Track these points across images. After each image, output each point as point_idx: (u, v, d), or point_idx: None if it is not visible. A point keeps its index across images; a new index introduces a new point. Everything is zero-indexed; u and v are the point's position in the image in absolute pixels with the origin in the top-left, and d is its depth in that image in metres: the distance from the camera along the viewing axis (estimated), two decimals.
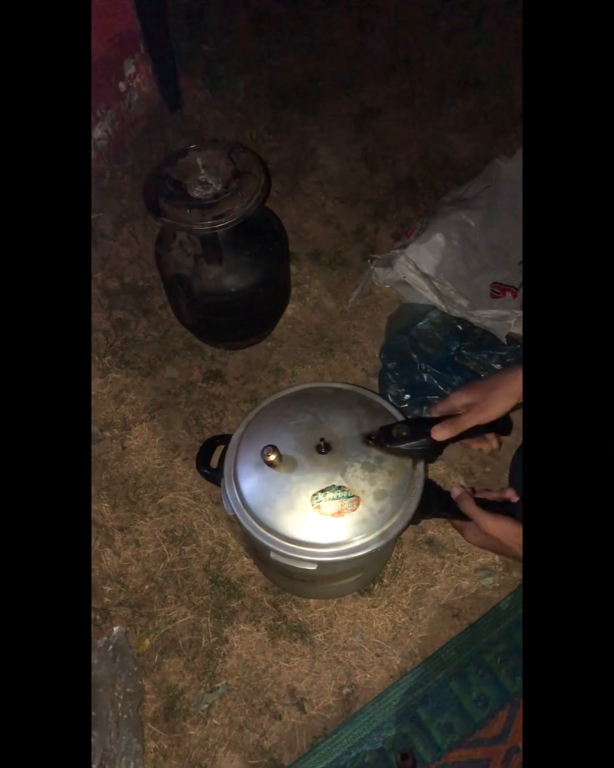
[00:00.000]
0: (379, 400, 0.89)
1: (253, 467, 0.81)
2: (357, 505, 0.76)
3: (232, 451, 0.85)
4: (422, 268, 1.35)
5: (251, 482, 0.81)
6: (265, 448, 0.77)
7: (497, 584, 1.08)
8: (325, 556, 0.76)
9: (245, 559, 1.11)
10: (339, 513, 0.76)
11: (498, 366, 1.24)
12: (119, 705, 0.94)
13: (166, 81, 1.72)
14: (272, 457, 0.77)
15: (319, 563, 0.77)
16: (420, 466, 0.82)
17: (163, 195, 1.09)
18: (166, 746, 0.96)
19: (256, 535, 0.78)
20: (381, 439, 0.79)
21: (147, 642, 1.04)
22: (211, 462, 0.89)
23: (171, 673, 1.02)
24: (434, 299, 1.32)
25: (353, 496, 0.77)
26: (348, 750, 0.94)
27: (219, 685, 1.01)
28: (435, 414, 0.81)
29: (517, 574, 1.07)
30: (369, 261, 1.43)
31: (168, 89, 1.74)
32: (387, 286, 1.44)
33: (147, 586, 1.09)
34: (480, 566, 1.09)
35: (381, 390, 1.28)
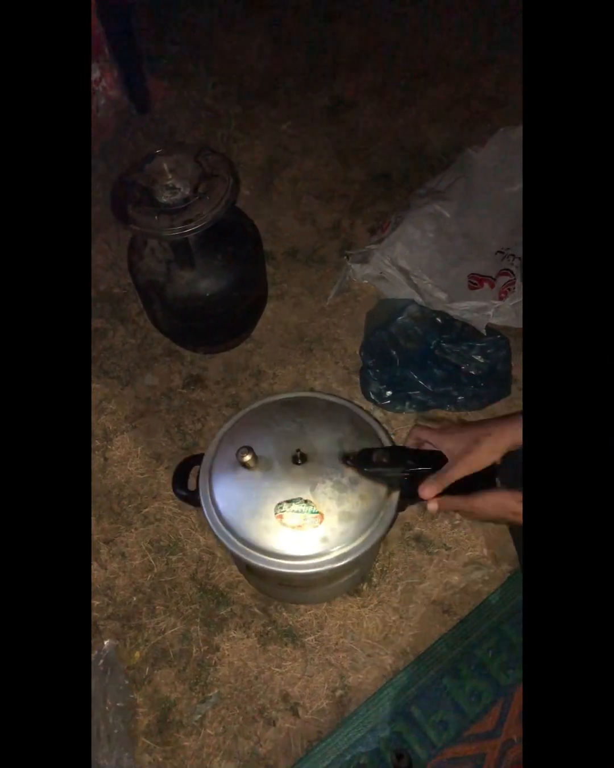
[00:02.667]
0: (372, 421, 0.86)
1: (228, 466, 0.80)
2: (320, 522, 0.75)
3: (213, 447, 0.85)
4: (399, 263, 1.34)
5: (223, 481, 0.80)
6: (241, 448, 0.77)
7: (486, 578, 1.07)
8: (278, 566, 0.75)
9: (232, 566, 1.11)
10: (300, 526, 0.75)
11: (478, 357, 1.23)
12: (110, 720, 0.93)
13: (132, 83, 1.70)
14: (247, 458, 0.76)
15: (269, 571, 0.76)
16: (394, 496, 0.78)
17: (130, 202, 1.08)
18: (160, 759, 0.96)
19: (215, 530, 0.78)
20: (360, 461, 0.77)
21: (137, 654, 1.03)
22: (187, 483, 0.87)
23: (162, 685, 1.01)
24: (412, 293, 1.31)
25: (317, 512, 0.75)
26: (343, 753, 0.94)
27: (211, 694, 1.00)
28: (412, 443, 0.77)
29: (506, 567, 1.07)
30: (345, 257, 1.42)
31: (135, 92, 1.72)
32: (366, 282, 1.42)
33: (135, 598, 1.08)
34: (468, 561, 1.09)
35: (363, 387, 1.27)
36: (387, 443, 0.83)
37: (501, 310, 1.25)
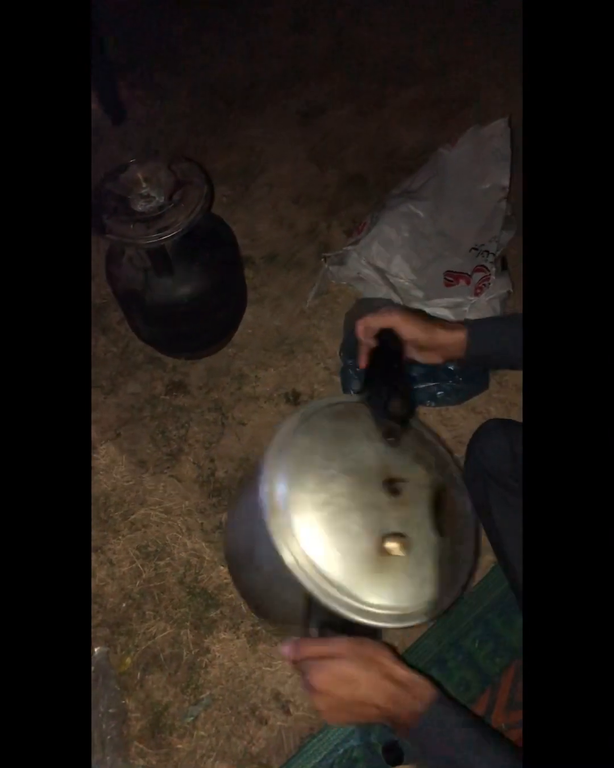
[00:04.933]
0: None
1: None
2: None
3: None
4: (375, 263, 1.35)
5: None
6: (390, 534, 0.68)
7: None
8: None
9: (221, 568, 1.11)
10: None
11: None
12: (103, 726, 0.94)
13: (106, 95, 1.72)
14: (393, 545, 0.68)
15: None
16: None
17: (106, 211, 1.09)
18: (154, 762, 0.96)
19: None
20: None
21: (128, 660, 1.04)
22: None
23: (154, 689, 1.02)
24: (389, 293, 1.33)
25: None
26: (335, 747, 0.94)
27: (203, 696, 1.01)
28: (370, 332, 0.79)
29: (489, 558, 1.08)
30: (323, 260, 1.44)
31: (109, 103, 1.73)
32: (344, 283, 1.44)
33: (124, 604, 1.09)
34: None
35: (344, 387, 1.28)
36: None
37: (478, 306, 1.27)
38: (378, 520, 0.69)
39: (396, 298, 1.31)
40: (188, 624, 1.07)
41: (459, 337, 0.79)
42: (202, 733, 0.98)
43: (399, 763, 0.87)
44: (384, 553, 0.67)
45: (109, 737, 0.94)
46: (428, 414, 1.27)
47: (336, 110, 1.79)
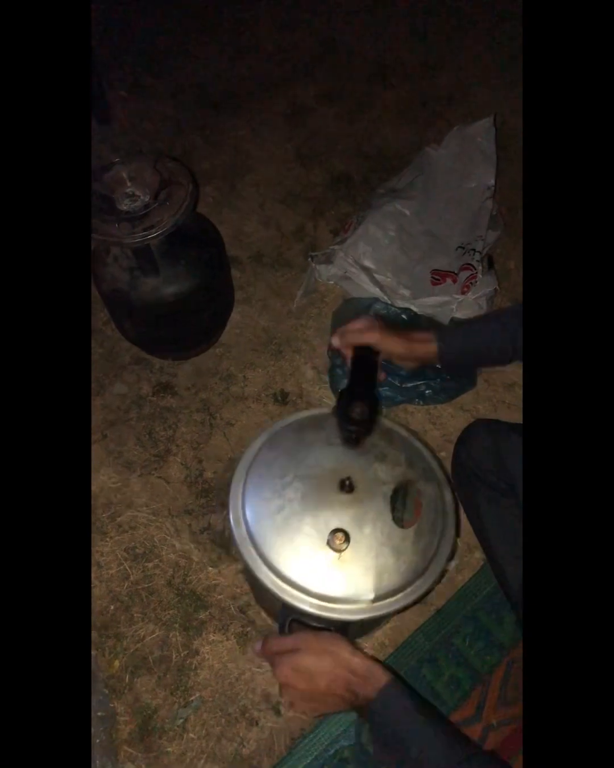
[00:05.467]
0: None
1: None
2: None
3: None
4: (362, 262, 1.35)
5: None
6: (336, 531, 0.72)
7: (460, 567, 1.08)
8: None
9: (210, 569, 1.11)
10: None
11: None
12: (91, 730, 0.92)
13: (92, 95, 1.71)
14: (339, 543, 0.71)
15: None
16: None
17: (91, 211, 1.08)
18: (144, 766, 0.95)
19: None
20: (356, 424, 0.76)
21: (116, 663, 1.03)
22: None
23: (143, 692, 1.01)
24: (376, 292, 1.33)
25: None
26: (326, 747, 0.94)
27: (193, 698, 1.00)
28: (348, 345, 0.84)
29: (479, 555, 1.08)
30: (310, 259, 1.43)
31: (96, 104, 1.72)
32: (331, 283, 1.44)
33: (112, 607, 1.08)
34: None
35: (332, 387, 1.28)
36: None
37: (464, 304, 1.27)
38: (330, 519, 0.73)
39: (383, 297, 1.31)
40: (177, 626, 1.06)
41: (434, 349, 0.83)
42: (192, 735, 0.98)
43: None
44: (335, 549, 0.71)
45: (97, 741, 0.92)
46: (416, 412, 1.27)
47: (322, 110, 1.79)
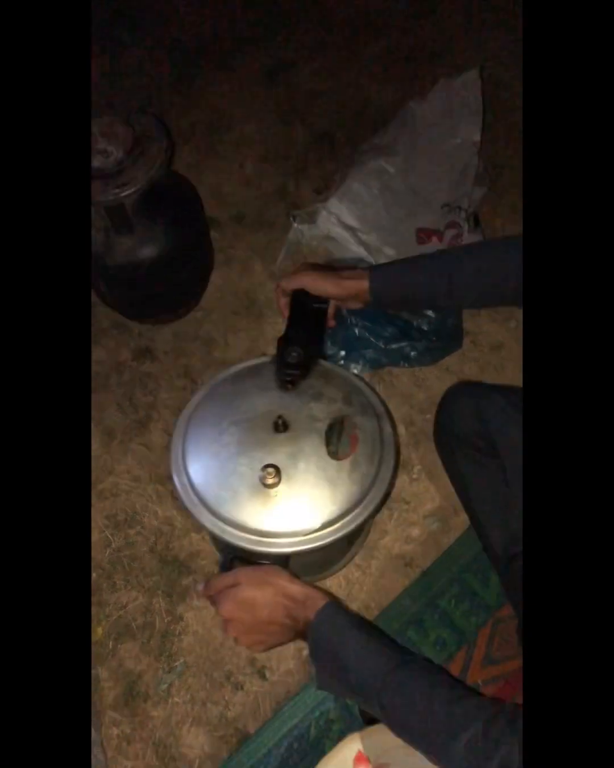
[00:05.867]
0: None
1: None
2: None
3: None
4: (345, 221, 1.31)
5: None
6: (267, 466, 0.75)
7: (446, 529, 1.07)
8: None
9: (193, 535, 1.09)
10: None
11: (429, 312, 1.22)
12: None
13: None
14: (271, 480, 0.75)
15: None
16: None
17: None
18: (128, 731, 0.95)
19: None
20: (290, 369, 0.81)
21: (99, 630, 1.02)
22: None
23: (127, 658, 1.00)
24: (361, 252, 1.29)
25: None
26: (311, 709, 0.94)
27: (177, 663, 0.99)
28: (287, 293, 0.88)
29: (464, 517, 1.07)
30: (292, 218, 1.39)
31: None
32: (315, 243, 1.40)
33: (95, 575, 1.06)
34: (428, 513, 1.09)
35: None
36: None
37: None
38: (264, 458, 0.76)
39: (367, 257, 1.28)
40: (160, 592, 1.05)
41: (365, 285, 0.83)
42: (177, 699, 0.97)
43: (377, 722, 0.86)
44: (268, 486, 0.74)
45: None
46: (402, 375, 1.24)
47: (304, 65, 1.72)
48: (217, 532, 0.75)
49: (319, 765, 0.79)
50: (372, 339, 1.20)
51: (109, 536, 1.09)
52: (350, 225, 1.31)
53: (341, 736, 0.83)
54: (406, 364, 1.23)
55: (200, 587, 0.74)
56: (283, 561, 0.75)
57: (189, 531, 1.10)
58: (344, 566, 1.04)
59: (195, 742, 0.94)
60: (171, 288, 1.23)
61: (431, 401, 1.21)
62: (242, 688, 0.98)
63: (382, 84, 1.66)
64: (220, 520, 0.75)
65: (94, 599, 1.05)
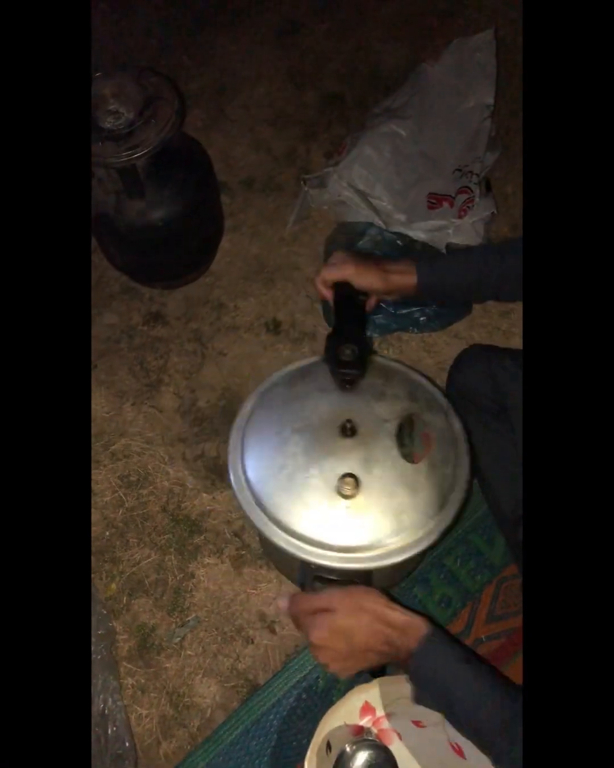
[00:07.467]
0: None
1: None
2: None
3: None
4: (356, 185, 1.30)
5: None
6: (345, 475, 0.69)
7: None
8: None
9: (204, 495, 1.11)
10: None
11: None
12: (92, 647, 0.95)
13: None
14: (347, 489, 0.68)
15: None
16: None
17: None
18: (143, 681, 0.98)
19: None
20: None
21: (113, 586, 1.05)
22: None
23: (141, 613, 1.03)
24: (371, 216, 1.28)
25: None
26: None
27: (189, 618, 1.02)
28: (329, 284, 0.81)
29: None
30: (302, 182, 1.38)
31: None
32: (325, 208, 1.39)
33: (108, 533, 1.09)
34: None
35: (326, 316, 1.26)
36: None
37: (461, 229, 1.23)
38: (336, 466, 0.69)
39: (377, 222, 1.27)
40: (172, 550, 1.07)
41: (412, 280, 0.79)
42: (190, 652, 1.00)
43: (382, 674, 0.89)
44: (346, 496, 0.68)
45: (98, 657, 0.95)
46: (411, 340, 1.25)
47: (314, 27, 1.69)
48: (293, 551, 0.68)
49: (327, 714, 0.82)
50: (382, 304, 1.20)
51: (122, 496, 1.12)
52: (361, 189, 1.30)
53: (349, 687, 0.86)
54: (416, 330, 1.23)
55: (282, 603, 0.67)
56: (365, 577, 0.69)
57: (200, 492, 1.12)
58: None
59: (207, 692, 0.98)
60: (181, 252, 1.24)
61: (440, 367, 1.21)
62: (252, 641, 1.01)
63: (393, 45, 1.64)
64: (296, 538, 0.68)
65: (106, 556, 1.07)
